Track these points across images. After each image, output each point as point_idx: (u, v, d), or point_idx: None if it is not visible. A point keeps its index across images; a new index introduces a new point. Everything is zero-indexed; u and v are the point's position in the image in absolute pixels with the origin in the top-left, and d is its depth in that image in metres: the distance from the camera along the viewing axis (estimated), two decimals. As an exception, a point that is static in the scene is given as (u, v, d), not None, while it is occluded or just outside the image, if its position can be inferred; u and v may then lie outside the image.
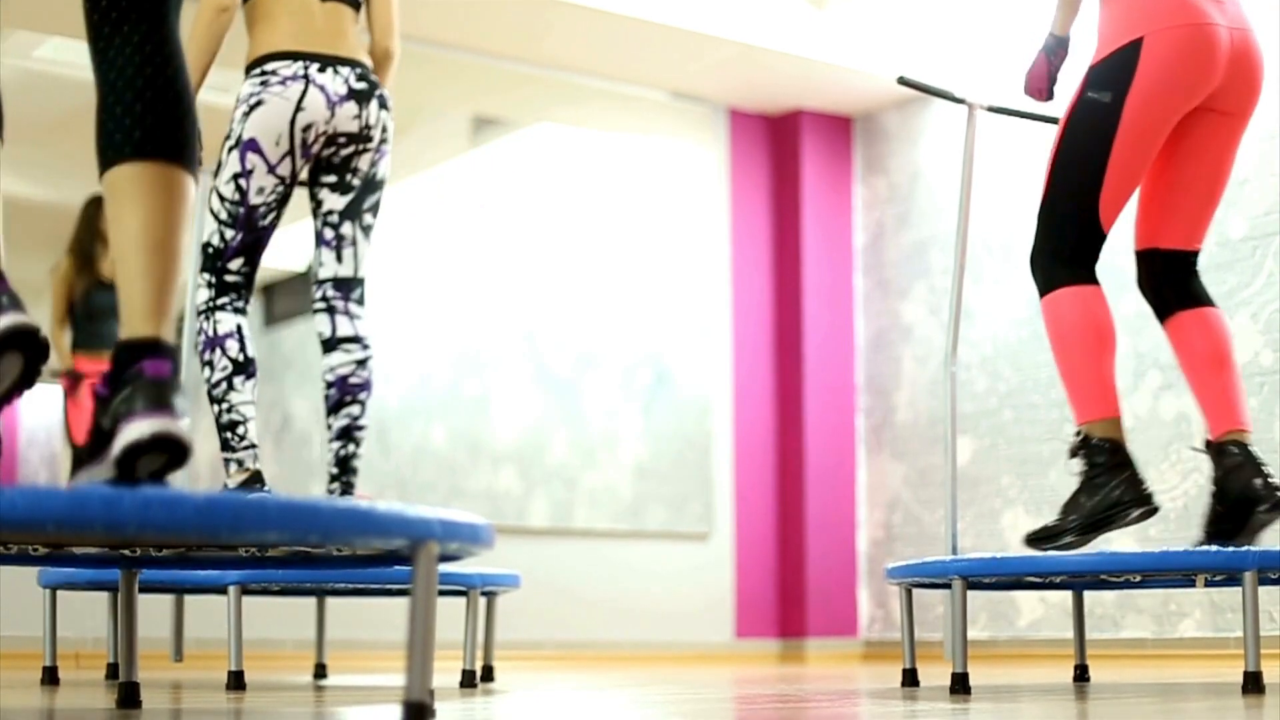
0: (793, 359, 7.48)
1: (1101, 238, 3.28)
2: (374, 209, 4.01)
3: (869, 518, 7.43)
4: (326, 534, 1.52)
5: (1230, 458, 3.21)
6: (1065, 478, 6.52)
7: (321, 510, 1.51)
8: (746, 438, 7.44)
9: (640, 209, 7.37)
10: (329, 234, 3.95)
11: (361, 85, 3.91)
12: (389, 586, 3.95)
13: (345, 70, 3.89)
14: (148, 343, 1.79)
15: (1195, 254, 3.38)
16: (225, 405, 3.80)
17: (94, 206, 6.37)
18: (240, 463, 3.77)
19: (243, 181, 3.83)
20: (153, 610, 4.61)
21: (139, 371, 1.77)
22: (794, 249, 7.53)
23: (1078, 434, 3.26)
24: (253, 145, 3.82)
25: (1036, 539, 3.30)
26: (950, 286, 3.97)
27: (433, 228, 6.92)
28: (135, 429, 1.72)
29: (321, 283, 3.96)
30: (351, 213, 3.96)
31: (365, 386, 3.93)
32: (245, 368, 3.81)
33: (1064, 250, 3.27)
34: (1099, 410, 3.24)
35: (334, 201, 3.96)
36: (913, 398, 7.27)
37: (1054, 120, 3.82)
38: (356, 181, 3.96)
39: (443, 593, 3.54)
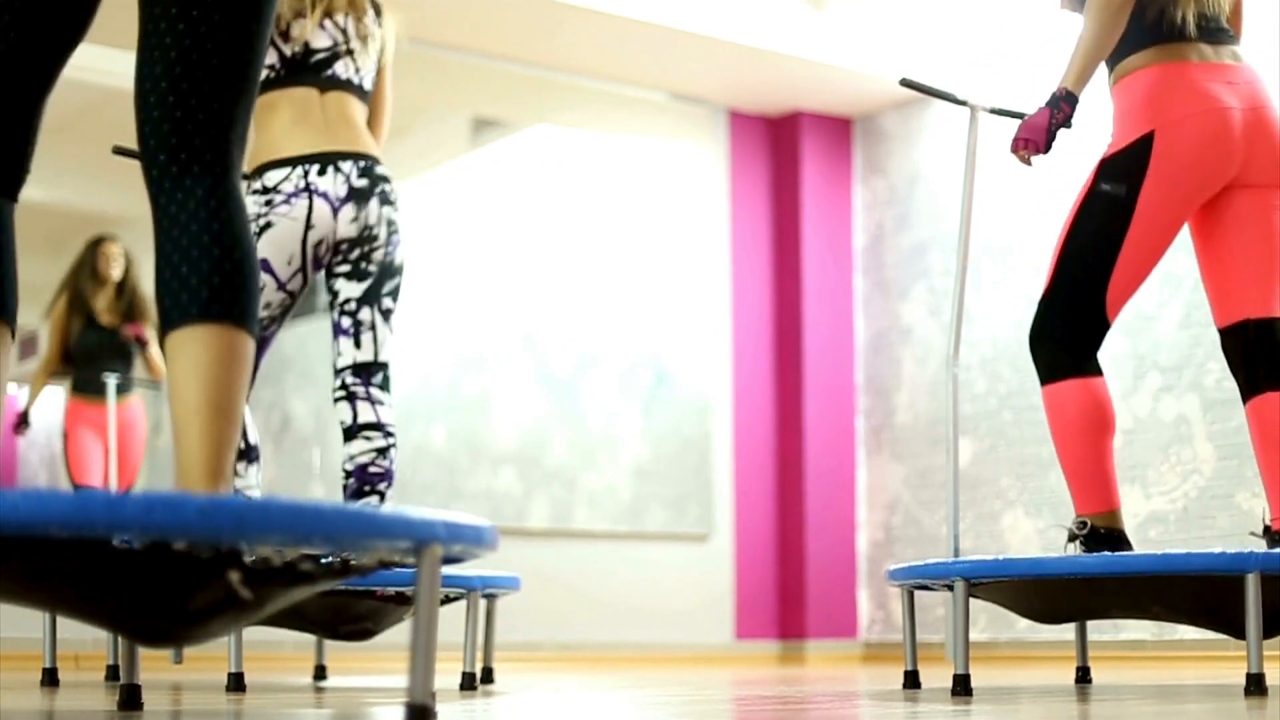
0: (792, 360, 7.48)
1: (1106, 327, 3.29)
2: (394, 294, 3.81)
3: (869, 519, 7.43)
4: (330, 537, 1.52)
5: None
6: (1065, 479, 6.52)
7: (325, 513, 1.51)
8: (746, 439, 7.43)
9: (640, 210, 7.37)
10: (346, 322, 3.75)
11: (362, 183, 3.73)
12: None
13: (346, 165, 3.72)
14: None
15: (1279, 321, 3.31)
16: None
17: (93, 249, 6.40)
18: None
19: None
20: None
21: None
22: (794, 250, 7.53)
23: (1081, 523, 3.27)
24: (264, 265, 3.68)
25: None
26: (951, 288, 3.96)
27: (433, 229, 6.91)
28: None
29: (340, 371, 3.76)
30: (370, 298, 3.77)
31: (385, 477, 3.72)
32: (247, 454, 3.73)
33: (1067, 339, 3.28)
34: (1100, 503, 3.28)
35: (350, 290, 3.76)
36: (912, 399, 7.27)
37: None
38: (372, 269, 3.77)
39: (443, 595, 3.54)
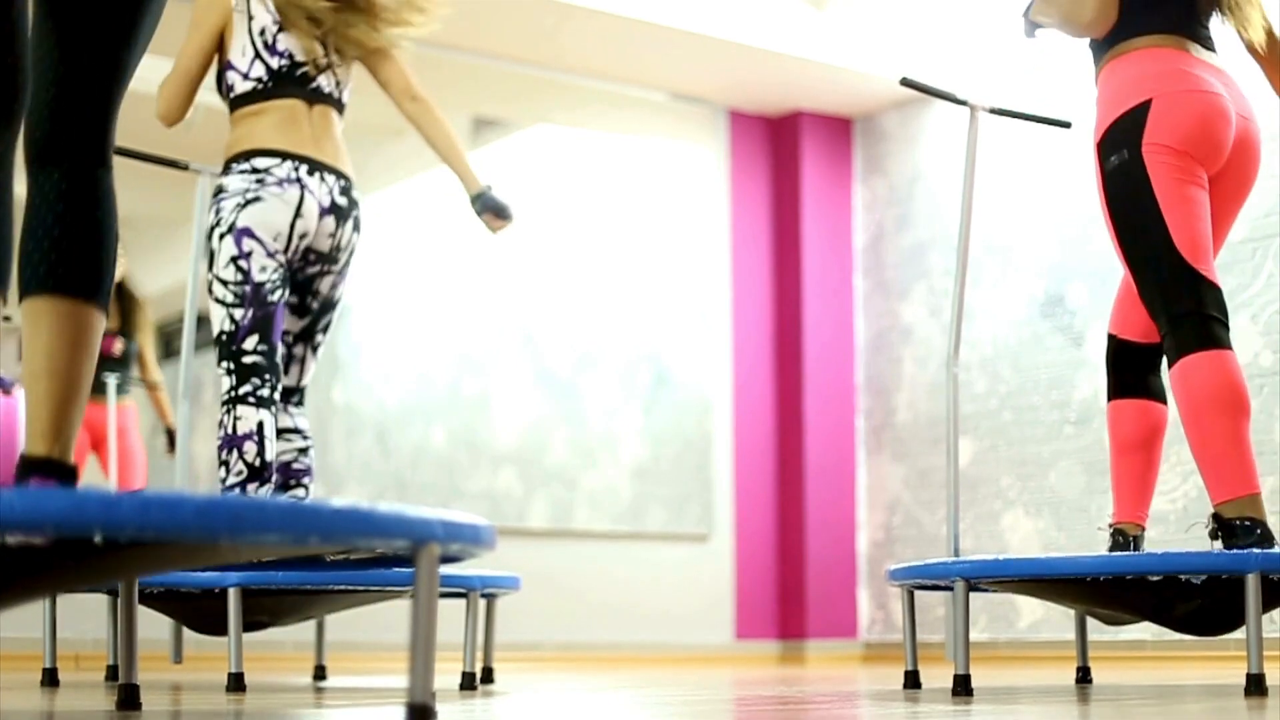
0: (793, 360, 7.48)
1: (1209, 285, 3.20)
2: (326, 328, 4.07)
3: (869, 519, 7.42)
4: (327, 536, 1.51)
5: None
6: (1065, 478, 6.53)
7: (322, 512, 1.50)
8: (746, 439, 7.43)
9: (640, 210, 7.37)
10: (280, 349, 3.99)
11: (343, 201, 3.93)
12: (388, 589, 3.94)
13: (331, 179, 3.90)
14: (40, 461, 1.96)
15: (1159, 347, 3.34)
16: None
17: None
18: None
19: (243, 263, 3.81)
20: (153, 612, 4.59)
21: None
22: (794, 250, 7.53)
23: (1215, 517, 3.14)
24: (248, 232, 3.81)
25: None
26: (951, 288, 3.96)
27: (432, 229, 6.91)
28: None
29: None
30: (305, 336, 4.02)
31: (308, 472, 3.98)
32: (261, 473, 3.74)
33: (1179, 313, 3.19)
34: (1239, 487, 3.12)
35: (289, 323, 4.00)
36: (913, 399, 7.27)
37: (1058, 122, 3.81)
38: (315, 305, 4.01)
39: (443, 594, 3.53)
